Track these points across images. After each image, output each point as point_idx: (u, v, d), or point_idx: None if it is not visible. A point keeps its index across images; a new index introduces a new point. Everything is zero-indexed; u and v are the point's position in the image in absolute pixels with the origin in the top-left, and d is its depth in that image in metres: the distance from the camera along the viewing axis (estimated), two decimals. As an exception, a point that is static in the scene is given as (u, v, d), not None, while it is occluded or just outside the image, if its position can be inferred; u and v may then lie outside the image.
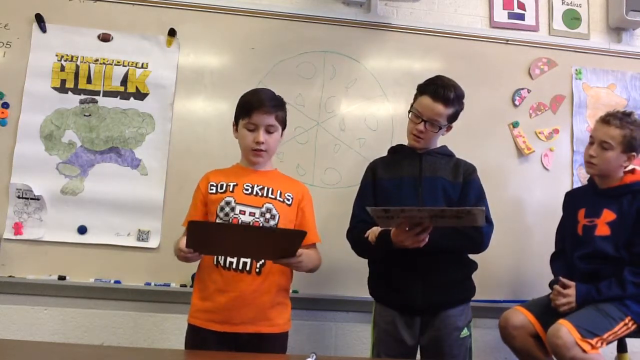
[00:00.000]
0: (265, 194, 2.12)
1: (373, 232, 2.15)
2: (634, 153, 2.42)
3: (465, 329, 2.17)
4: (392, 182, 2.26)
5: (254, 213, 2.07)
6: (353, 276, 2.83)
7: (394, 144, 2.95)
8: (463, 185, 2.23)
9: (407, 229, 1.95)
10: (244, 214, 2.06)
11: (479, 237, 2.17)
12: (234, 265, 2.01)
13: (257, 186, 2.12)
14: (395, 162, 2.32)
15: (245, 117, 2.11)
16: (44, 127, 2.79)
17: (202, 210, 2.15)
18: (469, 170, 2.30)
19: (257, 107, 2.07)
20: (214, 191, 2.13)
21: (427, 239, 1.96)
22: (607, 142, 2.40)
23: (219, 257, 2.02)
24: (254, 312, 2.00)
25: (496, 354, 2.85)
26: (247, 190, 2.11)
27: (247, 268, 2.00)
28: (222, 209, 2.08)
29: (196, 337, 2.02)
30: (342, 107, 2.99)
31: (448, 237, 2.08)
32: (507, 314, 2.47)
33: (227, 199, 2.09)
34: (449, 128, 2.29)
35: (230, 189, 2.11)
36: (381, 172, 2.31)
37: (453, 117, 2.25)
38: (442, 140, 2.38)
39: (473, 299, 2.87)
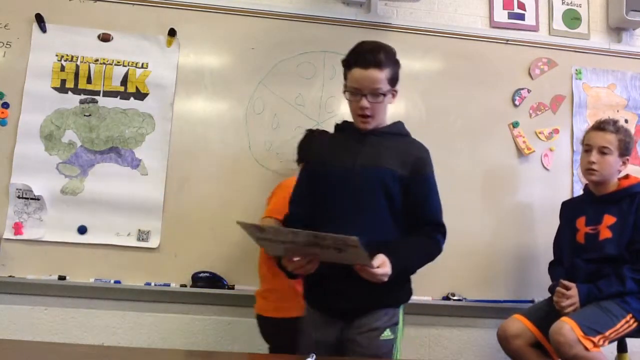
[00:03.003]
0: None
1: None
2: (627, 157, 2.49)
3: (388, 330, 1.92)
4: (325, 170, 1.96)
5: None
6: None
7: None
8: (410, 179, 1.91)
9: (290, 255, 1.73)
10: None
11: (437, 249, 1.94)
12: None
13: None
14: (334, 144, 2.04)
15: None
16: (44, 127, 2.79)
17: None
18: (421, 161, 1.97)
19: None
20: None
21: (315, 267, 1.75)
22: (607, 147, 2.44)
23: None
24: None
25: (496, 354, 2.84)
26: None
27: None
28: None
29: None
30: (342, 107, 2.98)
31: (410, 263, 1.88)
32: (505, 324, 2.48)
33: None
34: (394, 94, 1.98)
35: None
36: (317, 157, 2.04)
37: (393, 80, 1.96)
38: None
39: (472, 298, 2.89)
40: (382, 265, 1.71)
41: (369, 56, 1.90)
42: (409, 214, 1.92)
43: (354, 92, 1.91)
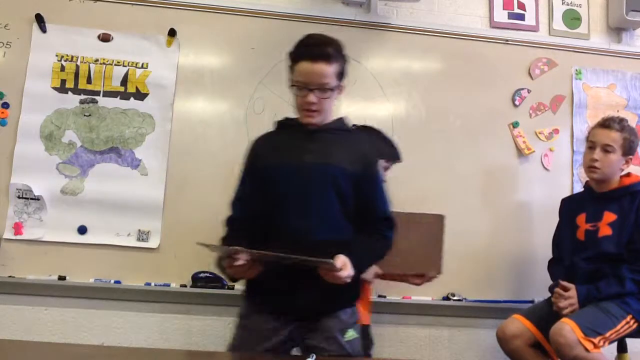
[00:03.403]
0: None
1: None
2: (630, 156, 2.48)
3: (352, 330, 1.90)
4: (273, 169, 1.89)
5: None
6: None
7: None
8: (360, 176, 1.89)
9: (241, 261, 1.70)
10: None
11: (389, 245, 1.94)
12: None
13: None
14: (280, 142, 1.96)
15: None
16: (44, 127, 2.79)
17: None
18: (369, 157, 1.97)
19: None
20: None
21: (256, 273, 1.76)
22: (610, 145, 2.43)
23: None
24: None
25: (496, 355, 2.84)
26: None
27: None
28: None
29: None
30: (342, 107, 2.97)
31: (366, 262, 1.88)
32: (504, 324, 2.48)
33: None
34: (341, 89, 1.93)
35: None
36: (261, 157, 1.95)
37: (341, 75, 1.90)
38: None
39: (472, 298, 2.89)
40: (344, 267, 1.70)
41: (317, 49, 1.84)
42: (359, 210, 1.90)
43: (301, 87, 1.84)
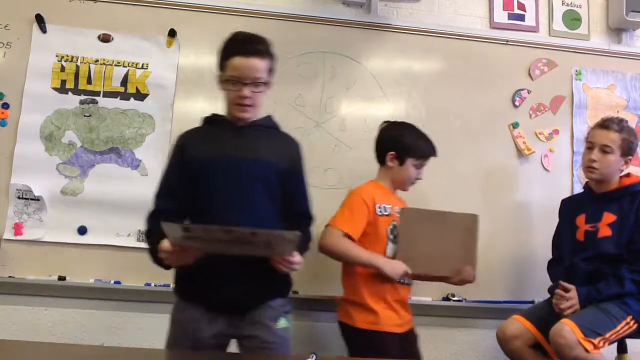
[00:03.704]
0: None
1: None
2: (630, 157, 2.48)
3: (284, 319, 1.94)
4: (204, 163, 1.92)
5: None
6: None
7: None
8: (289, 173, 1.97)
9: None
10: None
11: (310, 240, 2.02)
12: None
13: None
14: (209, 137, 1.98)
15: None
16: (44, 128, 2.79)
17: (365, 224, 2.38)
18: (296, 155, 2.04)
19: None
20: (381, 213, 2.40)
21: (193, 259, 1.75)
22: (609, 145, 2.44)
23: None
24: None
25: (496, 355, 2.84)
26: (397, 211, 2.42)
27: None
28: (391, 231, 2.40)
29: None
30: (342, 107, 2.99)
31: (301, 251, 1.88)
32: (504, 325, 2.48)
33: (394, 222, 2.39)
34: (269, 85, 1.98)
35: (391, 212, 2.42)
36: (190, 151, 1.96)
37: (271, 71, 1.96)
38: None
39: (472, 299, 2.89)
40: (295, 254, 1.78)
41: (250, 45, 1.90)
42: (283, 204, 1.96)
43: (234, 82, 1.89)
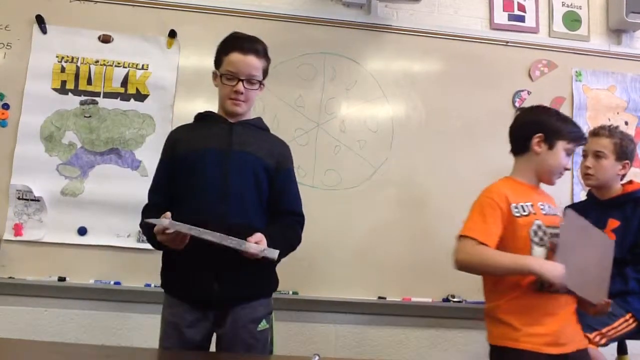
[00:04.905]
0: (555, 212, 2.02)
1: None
2: (627, 161, 2.49)
3: (264, 321, 1.94)
4: (194, 154, 1.95)
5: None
6: (352, 278, 2.84)
7: (393, 146, 2.96)
8: (277, 171, 2.00)
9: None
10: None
11: (299, 239, 2.02)
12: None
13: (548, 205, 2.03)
14: (201, 131, 2.03)
15: None
16: (44, 128, 2.79)
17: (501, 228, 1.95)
18: (285, 155, 2.07)
19: None
20: (519, 214, 1.97)
21: (186, 241, 1.78)
22: (601, 151, 2.48)
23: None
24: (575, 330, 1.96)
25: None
26: (542, 208, 1.99)
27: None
28: (535, 232, 1.94)
29: None
30: (343, 108, 2.99)
31: (280, 247, 1.84)
32: None
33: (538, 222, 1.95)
34: (262, 87, 2.04)
35: (532, 210, 1.97)
36: (182, 145, 1.99)
37: (265, 72, 2.05)
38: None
39: (472, 300, 2.88)
40: (260, 242, 1.78)
41: (248, 43, 1.98)
42: (272, 204, 1.98)
43: (230, 77, 1.96)
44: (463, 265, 1.95)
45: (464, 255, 1.94)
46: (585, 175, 2.54)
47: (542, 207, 2.01)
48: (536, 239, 1.95)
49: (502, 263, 1.88)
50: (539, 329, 1.87)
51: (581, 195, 2.98)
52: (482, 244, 1.91)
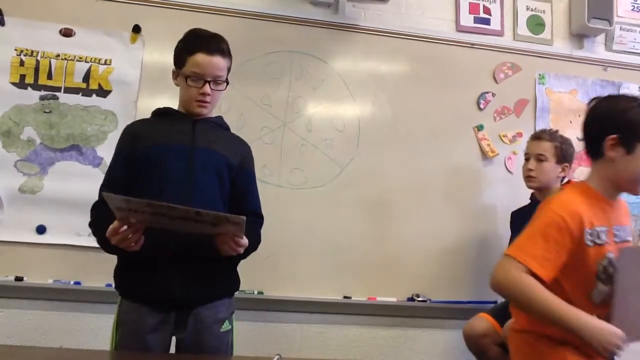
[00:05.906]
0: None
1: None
2: (567, 164, 2.63)
3: (227, 322, 1.91)
4: (158, 149, 1.88)
5: None
6: (318, 277, 2.83)
7: (360, 146, 2.97)
8: (240, 170, 1.97)
9: (126, 226, 1.65)
10: None
11: (259, 239, 1.97)
12: None
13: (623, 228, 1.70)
14: (162, 127, 1.95)
15: None
16: (2, 124, 2.71)
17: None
18: (248, 156, 2.04)
19: None
20: (592, 242, 1.61)
21: (141, 242, 1.70)
22: (542, 154, 2.61)
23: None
24: None
25: (459, 355, 2.87)
26: (616, 235, 1.67)
27: None
28: (604, 269, 1.63)
29: None
30: (309, 107, 2.98)
31: (249, 245, 1.81)
32: (472, 322, 2.52)
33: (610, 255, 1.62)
34: (226, 86, 1.98)
35: (606, 239, 1.62)
36: (143, 139, 1.91)
37: (229, 70, 1.99)
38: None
39: (437, 299, 2.91)
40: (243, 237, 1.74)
41: (214, 43, 1.91)
42: (234, 203, 1.95)
43: (195, 78, 1.90)
44: (499, 290, 1.63)
45: (506, 281, 1.59)
46: (528, 177, 2.67)
47: (617, 232, 1.67)
48: (603, 276, 1.62)
49: (548, 312, 1.53)
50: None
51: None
52: (534, 274, 1.55)
